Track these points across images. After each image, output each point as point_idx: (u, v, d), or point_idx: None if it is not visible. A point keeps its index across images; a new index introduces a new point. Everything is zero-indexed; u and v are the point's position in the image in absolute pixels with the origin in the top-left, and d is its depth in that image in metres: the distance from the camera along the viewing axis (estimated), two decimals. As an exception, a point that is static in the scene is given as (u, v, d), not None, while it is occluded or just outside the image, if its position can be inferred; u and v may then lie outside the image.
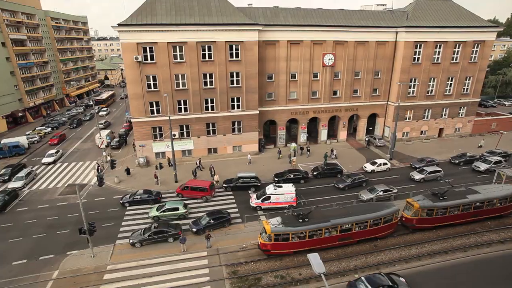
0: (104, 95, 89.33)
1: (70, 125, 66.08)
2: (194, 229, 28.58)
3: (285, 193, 32.12)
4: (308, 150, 46.95)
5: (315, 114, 49.29)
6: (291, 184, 33.86)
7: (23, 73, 68.34)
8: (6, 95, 62.53)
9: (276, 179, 38.18)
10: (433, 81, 50.35)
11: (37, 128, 62.16)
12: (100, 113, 74.50)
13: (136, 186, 37.67)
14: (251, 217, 30.98)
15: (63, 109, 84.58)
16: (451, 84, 51.37)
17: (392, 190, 34.06)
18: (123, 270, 24.69)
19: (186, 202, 33.51)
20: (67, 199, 35.80)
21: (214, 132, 44.53)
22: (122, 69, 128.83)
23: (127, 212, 32.62)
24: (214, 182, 37.44)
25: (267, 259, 25.48)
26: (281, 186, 32.70)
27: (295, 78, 46.43)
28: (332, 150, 45.80)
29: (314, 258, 12.00)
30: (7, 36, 64.05)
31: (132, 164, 43.93)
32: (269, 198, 32.12)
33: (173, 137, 37.68)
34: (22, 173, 40.02)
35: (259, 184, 36.71)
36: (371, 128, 54.27)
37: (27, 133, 59.24)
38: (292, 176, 38.23)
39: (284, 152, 46.60)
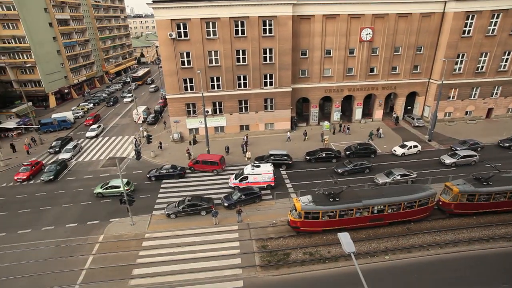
0: (140, 72, 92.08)
1: (107, 103, 68.59)
2: (225, 204, 29.52)
3: (263, 173, 32.09)
4: (348, 128, 45.72)
5: (350, 92, 47.48)
6: (269, 164, 33.62)
7: (67, 52, 72.12)
8: (54, 73, 66.65)
9: (307, 157, 37.94)
10: (485, 56, 45.90)
11: (81, 104, 66.14)
12: (125, 100, 69.41)
13: (170, 160, 39.24)
14: (281, 194, 31.31)
15: (103, 86, 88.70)
16: (507, 59, 46.52)
17: (411, 175, 32.56)
18: (159, 239, 26.36)
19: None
20: (109, 171, 38.28)
21: (246, 109, 44.66)
22: (157, 46, 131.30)
23: (162, 185, 34.31)
24: (246, 158, 37.99)
25: (297, 236, 25.85)
26: (259, 166, 32.72)
27: (330, 54, 44.61)
28: (378, 129, 44.31)
29: (344, 238, 11.92)
30: (54, 16, 67.47)
31: (166, 139, 45.64)
32: (246, 178, 32.27)
33: (206, 114, 38.34)
34: (70, 146, 43.21)
35: (290, 162, 36.71)
36: (409, 108, 51.43)
37: (73, 108, 63.21)
38: (324, 155, 37.74)
39: (316, 131, 45.81)
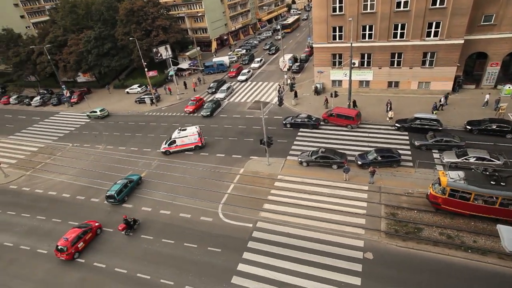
0: (290, 20, 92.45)
1: (241, 62, 64.54)
2: (359, 162, 28.51)
3: (189, 135, 34.39)
4: None
5: (561, 46, 34.54)
6: (195, 126, 35.49)
7: (228, 1, 79.08)
8: (217, 21, 75.41)
9: (468, 127, 31.31)
10: None
11: (235, 50, 73.18)
12: (253, 65, 60.66)
13: (309, 110, 39.75)
14: (425, 164, 27.65)
15: (256, 33, 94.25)
16: None
17: (494, 161, 24.33)
18: (289, 182, 28.36)
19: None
20: (253, 113, 42.35)
21: (398, 63, 39.35)
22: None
23: (299, 133, 35.71)
24: (388, 118, 34.65)
25: (434, 213, 22.96)
26: (185, 129, 35.12)
27: (538, -10, 32.69)
28: None
29: (507, 232, 9.78)
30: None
31: (308, 89, 46.04)
32: (174, 142, 34.57)
33: (352, 66, 36.01)
34: (224, 87, 49.71)
35: (440, 129, 31.35)
36: None
37: (229, 53, 70.82)
38: (494, 126, 30.16)
39: (491, 97, 36.35)
